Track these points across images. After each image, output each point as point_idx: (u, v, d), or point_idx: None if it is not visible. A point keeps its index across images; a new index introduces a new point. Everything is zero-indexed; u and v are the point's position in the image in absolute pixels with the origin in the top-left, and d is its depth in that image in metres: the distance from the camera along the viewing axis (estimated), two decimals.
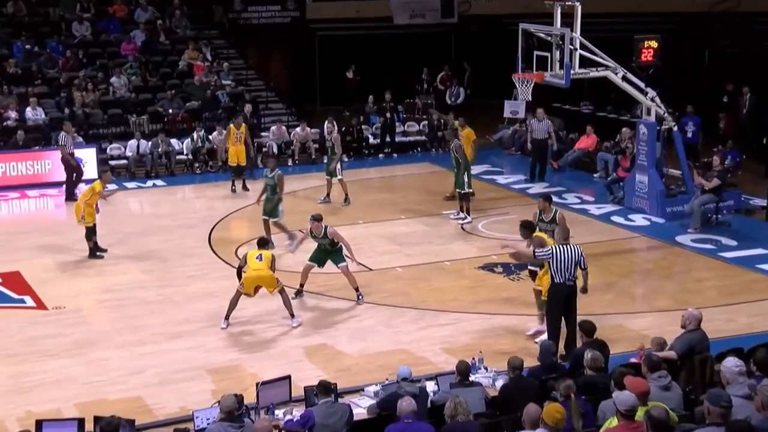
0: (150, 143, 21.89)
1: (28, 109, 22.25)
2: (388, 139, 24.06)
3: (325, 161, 19.53)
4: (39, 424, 9.11)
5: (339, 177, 19.04)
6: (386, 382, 10.29)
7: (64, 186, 20.01)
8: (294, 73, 29.32)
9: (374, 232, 17.20)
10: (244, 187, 20.16)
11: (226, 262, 15.52)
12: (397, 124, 24.56)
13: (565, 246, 11.50)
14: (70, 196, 19.40)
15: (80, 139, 21.58)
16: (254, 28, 28.24)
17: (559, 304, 11.50)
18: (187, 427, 9.10)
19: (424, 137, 24.42)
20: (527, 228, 12.52)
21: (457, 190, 17.82)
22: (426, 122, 24.69)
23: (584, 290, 11.75)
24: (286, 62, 29.46)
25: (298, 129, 23.22)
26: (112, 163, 21.60)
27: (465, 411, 8.05)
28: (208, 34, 27.12)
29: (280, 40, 28.73)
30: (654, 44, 17.30)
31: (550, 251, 11.42)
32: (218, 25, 28.00)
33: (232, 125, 20.42)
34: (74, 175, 20.01)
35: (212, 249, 16.37)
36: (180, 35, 26.41)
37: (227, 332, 12.63)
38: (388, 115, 24.00)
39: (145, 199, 20.14)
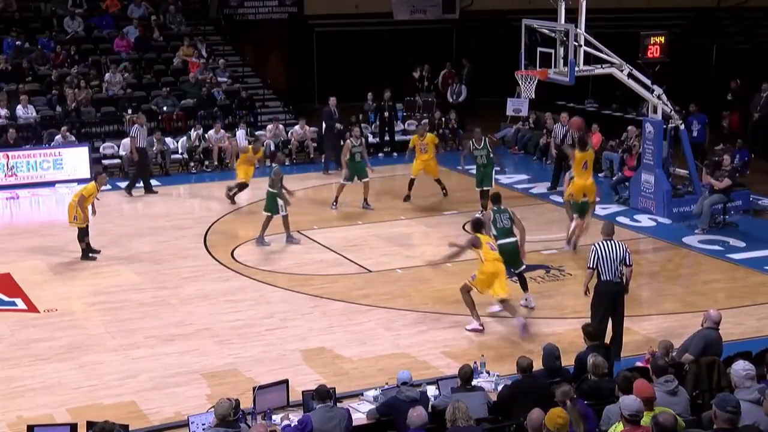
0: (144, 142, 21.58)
1: (19, 107, 22.02)
2: (387, 137, 23.78)
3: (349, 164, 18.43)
4: (30, 429, 9.07)
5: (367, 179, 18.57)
6: (386, 386, 10.16)
7: (129, 180, 20.22)
8: (291, 70, 29.15)
9: (374, 233, 17.09)
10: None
11: (222, 264, 15.42)
12: (398, 122, 24.30)
13: (608, 242, 11.36)
14: (144, 189, 19.96)
15: (72, 139, 21.33)
16: (251, 24, 28.13)
17: (605, 302, 11.30)
18: None
19: None
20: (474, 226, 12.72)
21: (485, 187, 17.59)
22: (427, 120, 24.42)
23: (626, 289, 11.54)
24: (283, 59, 29.35)
25: (296, 127, 23.00)
26: (105, 162, 21.39)
27: (465, 416, 7.96)
28: (204, 30, 27.05)
29: (277, 36, 28.63)
30: (661, 40, 17.15)
31: (595, 251, 11.29)
32: (214, 20, 27.84)
33: (251, 146, 19.50)
34: (141, 170, 20.13)
35: (208, 250, 16.19)
36: (174, 31, 26.25)
37: (222, 336, 12.44)
38: (386, 114, 23.71)
39: (138, 200, 19.87)
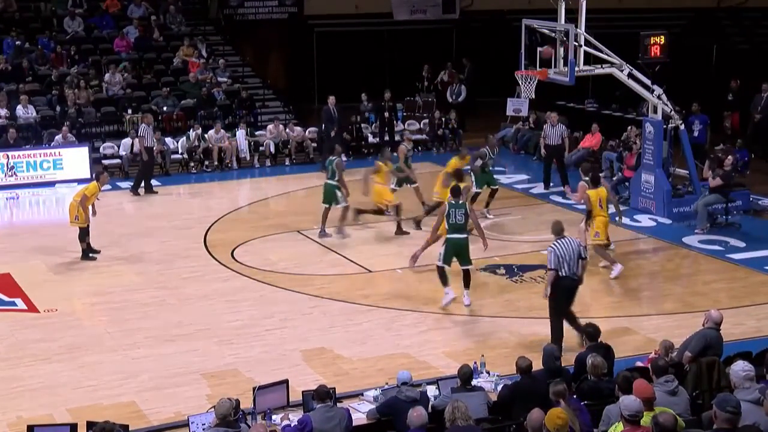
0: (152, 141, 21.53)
1: (19, 107, 21.99)
2: (387, 138, 23.77)
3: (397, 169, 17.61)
4: (31, 429, 9.06)
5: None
6: (386, 386, 10.15)
7: (134, 179, 20.20)
8: (291, 70, 29.13)
9: (374, 233, 17.03)
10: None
11: (222, 264, 15.39)
12: (398, 122, 24.30)
13: (562, 240, 11.62)
14: (144, 189, 19.84)
15: (72, 139, 21.32)
16: (251, 24, 28.09)
17: (564, 298, 11.57)
18: None
19: (425, 136, 24.16)
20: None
21: (495, 186, 17.70)
22: (427, 120, 24.41)
23: (581, 281, 11.84)
24: (283, 59, 29.31)
25: (287, 129, 23.00)
26: (105, 162, 21.34)
27: (464, 416, 7.95)
28: (204, 30, 27.00)
29: (277, 36, 28.59)
30: (661, 40, 17.11)
31: (554, 251, 11.48)
32: (214, 20, 27.83)
33: (381, 162, 17.27)
34: (148, 169, 20.12)
35: (208, 251, 16.17)
36: (174, 31, 26.22)
37: (222, 336, 12.42)
38: (386, 114, 23.70)
39: (139, 200, 19.84)
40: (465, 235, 13.21)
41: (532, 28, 17.00)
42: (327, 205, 16.54)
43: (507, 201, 18.62)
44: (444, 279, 13.23)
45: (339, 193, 16.44)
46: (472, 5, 29.84)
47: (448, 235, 13.13)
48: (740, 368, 7.98)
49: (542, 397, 8.60)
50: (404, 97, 25.59)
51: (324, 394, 9.02)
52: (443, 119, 24.23)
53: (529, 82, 16.95)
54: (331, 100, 22.21)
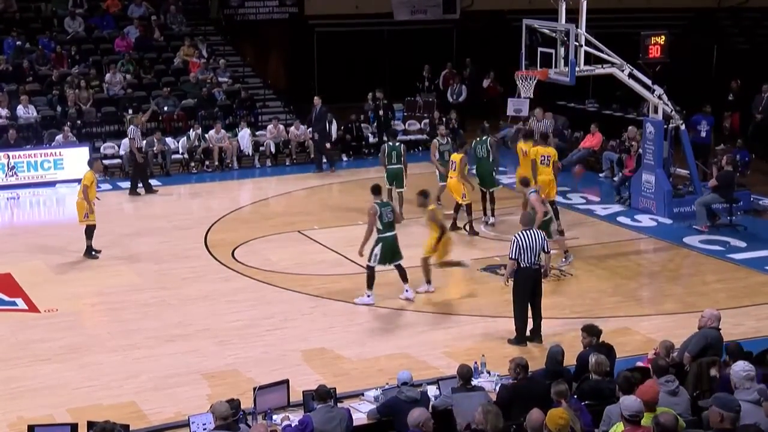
0: (145, 142, 21.54)
1: (20, 107, 22.00)
2: (385, 137, 23.75)
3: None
4: (31, 429, 9.07)
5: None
6: (386, 386, 10.15)
7: (130, 181, 20.18)
8: (292, 70, 29.14)
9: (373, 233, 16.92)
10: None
11: (223, 264, 15.39)
12: (397, 122, 24.28)
13: (528, 232, 11.90)
14: (144, 189, 19.94)
15: (73, 139, 21.33)
16: (251, 24, 28.13)
17: (527, 288, 11.90)
18: None
19: (425, 136, 24.13)
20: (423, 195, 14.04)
21: (491, 189, 17.65)
22: (427, 120, 24.41)
23: (545, 274, 12.18)
24: (284, 59, 29.34)
25: (291, 128, 22.99)
26: (106, 162, 21.31)
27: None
28: (204, 30, 27.02)
29: (277, 36, 28.64)
30: (661, 40, 17.11)
31: (516, 241, 11.82)
32: (214, 20, 27.85)
33: (460, 155, 16.91)
34: (139, 172, 20.11)
35: (208, 251, 16.17)
36: (175, 31, 26.25)
37: (223, 336, 12.41)
38: (381, 112, 23.71)
39: (138, 200, 19.84)
40: (395, 232, 13.55)
41: (533, 28, 16.98)
42: (400, 190, 17.29)
43: (508, 201, 18.56)
44: (371, 281, 13.40)
45: (404, 178, 17.30)
46: (472, 5, 29.87)
47: (382, 235, 13.36)
48: (741, 368, 7.99)
49: (541, 397, 8.59)
50: (404, 97, 25.59)
51: (324, 394, 9.02)
52: (443, 119, 24.22)
53: (528, 82, 16.96)
54: (316, 100, 22.27)
